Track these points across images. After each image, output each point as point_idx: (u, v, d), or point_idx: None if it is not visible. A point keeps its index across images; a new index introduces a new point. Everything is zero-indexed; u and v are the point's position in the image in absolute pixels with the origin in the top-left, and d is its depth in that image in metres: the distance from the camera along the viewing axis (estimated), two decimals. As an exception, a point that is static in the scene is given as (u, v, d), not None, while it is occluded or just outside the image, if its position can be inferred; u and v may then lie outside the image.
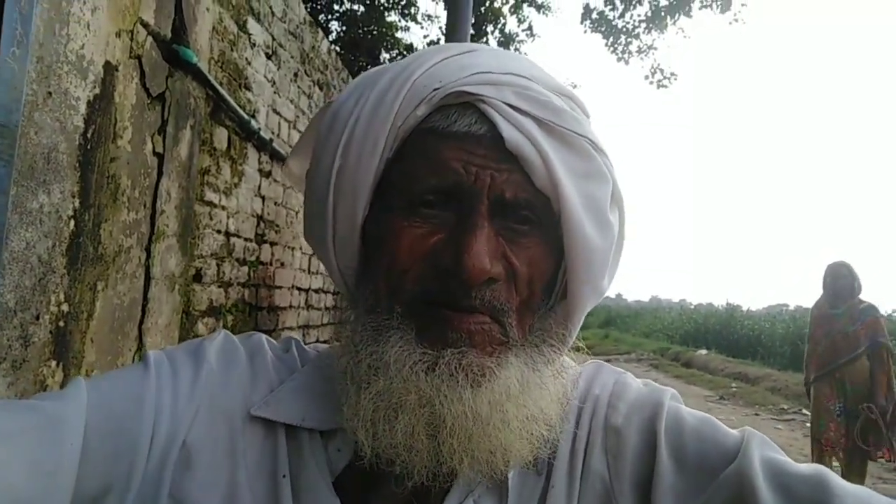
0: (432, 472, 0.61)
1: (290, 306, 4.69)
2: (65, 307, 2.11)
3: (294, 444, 0.67)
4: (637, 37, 13.17)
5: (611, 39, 13.29)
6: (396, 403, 0.60)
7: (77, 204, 2.11)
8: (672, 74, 13.60)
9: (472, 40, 6.21)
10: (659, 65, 13.66)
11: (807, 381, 5.50)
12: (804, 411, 9.26)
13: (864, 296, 5.28)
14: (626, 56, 13.43)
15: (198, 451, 0.64)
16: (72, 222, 2.09)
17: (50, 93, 1.93)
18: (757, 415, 9.61)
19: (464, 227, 0.61)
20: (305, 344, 0.81)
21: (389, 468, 0.61)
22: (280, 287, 4.43)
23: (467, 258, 0.59)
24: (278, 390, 0.70)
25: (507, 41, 13.20)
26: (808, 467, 0.61)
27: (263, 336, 0.77)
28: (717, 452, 0.64)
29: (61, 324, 2.10)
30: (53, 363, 2.07)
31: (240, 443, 0.66)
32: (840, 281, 5.23)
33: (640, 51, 13.34)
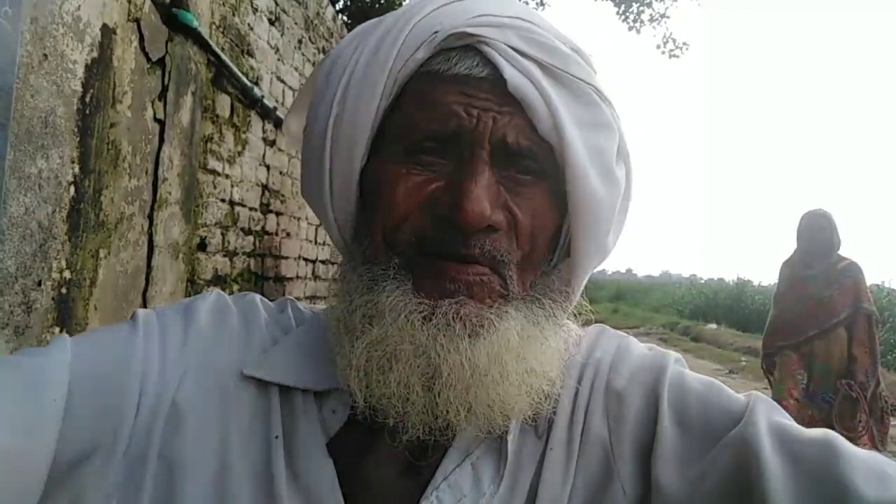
0: (428, 427, 0.59)
1: (297, 277, 4.69)
2: (67, 274, 2.10)
3: (287, 404, 0.65)
4: (649, 5, 12.93)
5: (622, 7, 13.06)
6: (391, 353, 0.58)
7: (77, 170, 2.09)
8: (684, 44, 13.36)
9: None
10: (671, 34, 13.43)
11: (766, 351, 4.60)
12: (813, 384, 9.25)
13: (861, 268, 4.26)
14: (637, 25, 13.20)
15: (187, 410, 0.62)
16: (72, 188, 2.07)
17: (46, 55, 1.90)
18: (766, 389, 9.60)
19: (463, 172, 0.59)
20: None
21: (384, 422, 0.60)
22: (286, 257, 4.42)
23: (466, 202, 0.56)
24: (272, 350, 0.68)
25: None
26: (815, 431, 0.58)
27: (258, 296, 0.75)
28: (721, 415, 0.62)
29: (63, 290, 2.09)
30: (56, 329, 2.06)
31: (231, 402, 0.64)
32: (818, 234, 4.22)
33: (652, 19, 13.11)
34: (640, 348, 0.72)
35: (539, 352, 0.61)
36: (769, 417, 0.59)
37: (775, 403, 0.63)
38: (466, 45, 0.61)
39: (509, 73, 0.59)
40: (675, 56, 13.46)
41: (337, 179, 0.66)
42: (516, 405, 0.60)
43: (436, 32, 0.60)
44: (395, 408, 0.58)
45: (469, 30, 0.60)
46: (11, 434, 0.54)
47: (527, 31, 0.61)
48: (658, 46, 13.41)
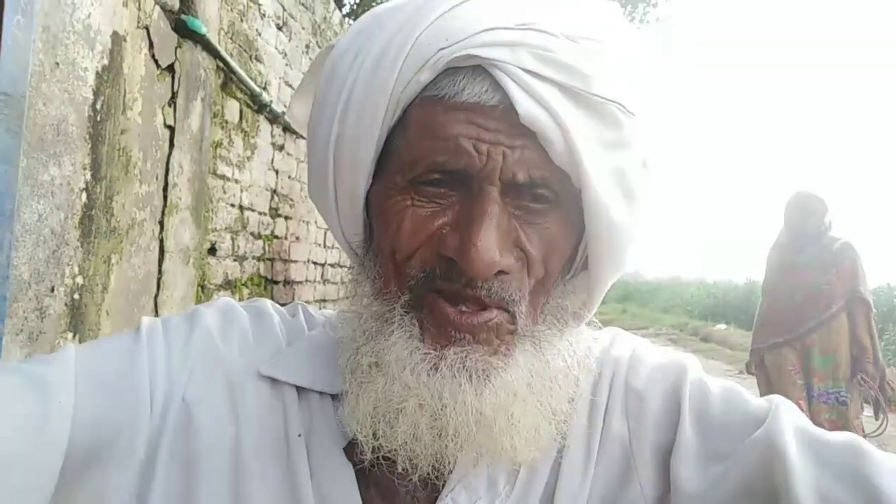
0: (437, 471, 0.58)
1: (307, 280, 4.70)
2: (79, 279, 2.12)
3: (305, 405, 0.65)
4: (656, 5, 12.90)
5: (629, 8, 13.04)
6: (396, 407, 0.57)
7: (88, 176, 2.10)
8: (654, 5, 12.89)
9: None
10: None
11: (756, 347, 4.08)
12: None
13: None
14: (642, 26, 13.18)
15: (198, 410, 0.62)
16: (84, 194, 2.09)
17: (57, 63, 1.91)
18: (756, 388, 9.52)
19: (471, 214, 0.55)
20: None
21: (391, 467, 0.59)
22: (296, 261, 4.43)
23: (474, 251, 0.53)
24: (286, 351, 0.68)
25: None
26: (840, 435, 0.58)
27: (269, 301, 0.75)
28: (742, 418, 0.61)
29: (76, 296, 2.11)
30: (70, 335, 2.08)
31: (243, 400, 0.64)
32: (810, 219, 3.81)
33: (658, 20, 13.08)
34: (656, 350, 0.72)
35: (548, 394, 0.60)
36: (793, 420, 0.59)
37: (796, 407, 0.63)
38: (476, 66, 0.56)
39: (522, 104, 0.54)
40: (645, 21, 13.13)
41: (343, 201, 0.64)
42: (524, 452, 0.59)
43: (441, 50, 0.55)
44: (402, 456, 0.58)
45: (476, 51, 0.55)
46: (19, 436, 0.54)
47: (542, 49, 0.55)
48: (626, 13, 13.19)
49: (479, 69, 0.56)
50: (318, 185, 0.66)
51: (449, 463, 0.59)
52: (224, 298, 0.73)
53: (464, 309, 0.57)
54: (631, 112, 0.59)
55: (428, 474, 0.59)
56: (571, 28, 0.57)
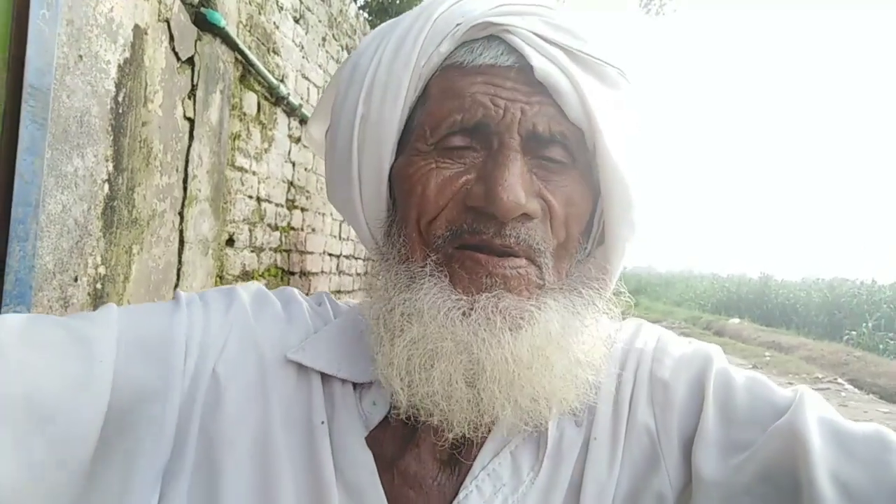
0: (473, 424, 0.59)
1: (322, 272, 4.73)
2: (102, 269, 2.15)
3: (328, 392, 0.66)
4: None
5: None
6: (432, 351, 0.58)
7: (111, 167, 2.13)
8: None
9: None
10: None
11: None
12: (839, 380, 9.10)
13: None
14: (659, 17, 13.05)
15: (227, 384, 0.63)
16: (106, 186, 2.12)
17: (81, 56, 1.94)
18: (791, 384, 9.39)
19: (494, 162, 0.59)
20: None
21: (427, 420, 0.60)
22: (311, 252, 4.46)
23: (500, 191, 0.57)
24: (313, 338, 0.69)
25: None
26: (866, 425, 0.58)
27: (296, 289, 0.77)
28: (767, 407, 0.62)
29: (99, 286, 2.14)
30: (92, 324, 2.11)
31: (271, 382, 0.65)
32: None
33: (675, 11, 12.95)
34: (680, 340, 0.73)
35: (581, 341, 0.62)
36: (817, 410, 0.59)
37: (821, 397, 0.63)
38: (490, 36, 0.61)
39: (536, 60, 0.59)
40: (660, 13, 13.02)
41: (366, 180, 0.66)
42: (562, 396, 0.60)
43: (458, 24, 0.60)
44: (439, 406, 0.58)
45: (492, 19, 0.60)
46: (64, 390, 0.55)
47: (549, 17, 0.61)
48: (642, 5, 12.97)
49: (494, 38, 0.61)
50: (341, 173, 0.68)
51: (481, 427, 0.59)
52: (256, 283, 0.74)
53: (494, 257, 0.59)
54: (629, 77, 0.65)
55: (455, 450, 0.60)
56: (571, 14, 0.65)
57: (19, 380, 0.54)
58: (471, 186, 0.60)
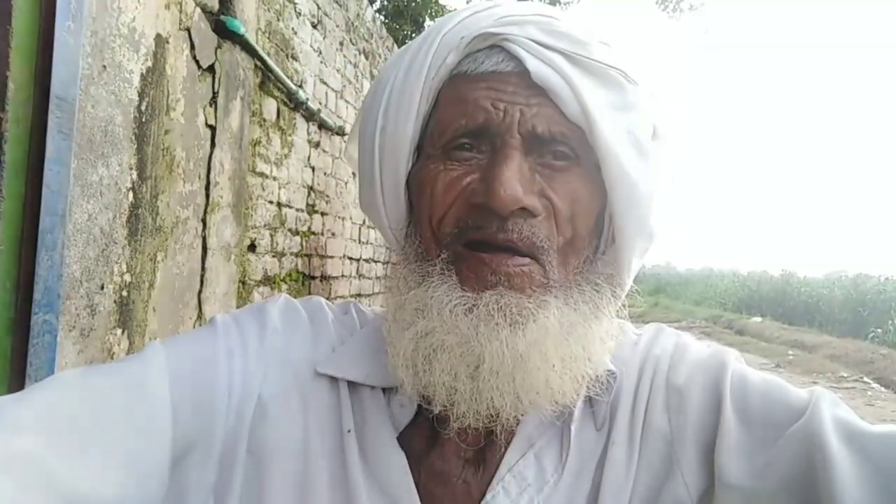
0: (477, 415, 0.61)
1: (342, 275, 4.75)
2: (127, 277, 2.17)
3: (357, 400, 0.69)
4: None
5: (661, -2, 12.83)
6: (437, 344, 0.62)
7: (135, 176, 2.15)
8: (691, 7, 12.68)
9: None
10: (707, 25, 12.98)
11: None
12: (865, 379, 8.97)
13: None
14: (676, 14, 12.96)
15: (272, 406, 0.66)
16: (130, 194, 2.14)
17: (105, 66, 1.96)
18: (815, 383, 9.35)
19: (495, 160, 0.62)
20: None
21: (429, 408, 0.63)
22: (332, 257, 4.48)
23: (497, 185, 0.60)
24: (340, 349, 0.72)
25: (552, 3, 12.87)
26: (884, 427, 0.58)
27: (322, 299, 0.79)
28: (784, 410, 0.62)
29: (124, 293, 2.16)
30: (119, 331, 2.13)
31: (308, 398, 0.68)
32: None
33: (692, 8, 12.84)
34: (698, 346, 0.74)
35: (580, 336, 0.64)
36: (834, 412, 0.59)
37: (839, 399, 0.63)
38: (492, 45, 0.65)
39: (532, 63, 0.63)
40: (678, 11, 12.89)
41: (387, 186, 0.70)
42: (559, 389, 0.62)
43: (462, 37, 0.65)
44: (442, 396, 0.62)
45: (492, 30, 0.64)
46: (130, 435, 0.57)
47: (547, 25, 0.65)
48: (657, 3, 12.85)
49: (495, 47, 0.65)
50: (366, 181, 0.72)
51: (488, 416, 0.62)
52: (284, 296, 0.77)
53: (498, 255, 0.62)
54: (633, 80, 0.66)
55: (479, 433, 0.63)
56: (574, 22, 0.67)
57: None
58: (474, 185, 0.63)
